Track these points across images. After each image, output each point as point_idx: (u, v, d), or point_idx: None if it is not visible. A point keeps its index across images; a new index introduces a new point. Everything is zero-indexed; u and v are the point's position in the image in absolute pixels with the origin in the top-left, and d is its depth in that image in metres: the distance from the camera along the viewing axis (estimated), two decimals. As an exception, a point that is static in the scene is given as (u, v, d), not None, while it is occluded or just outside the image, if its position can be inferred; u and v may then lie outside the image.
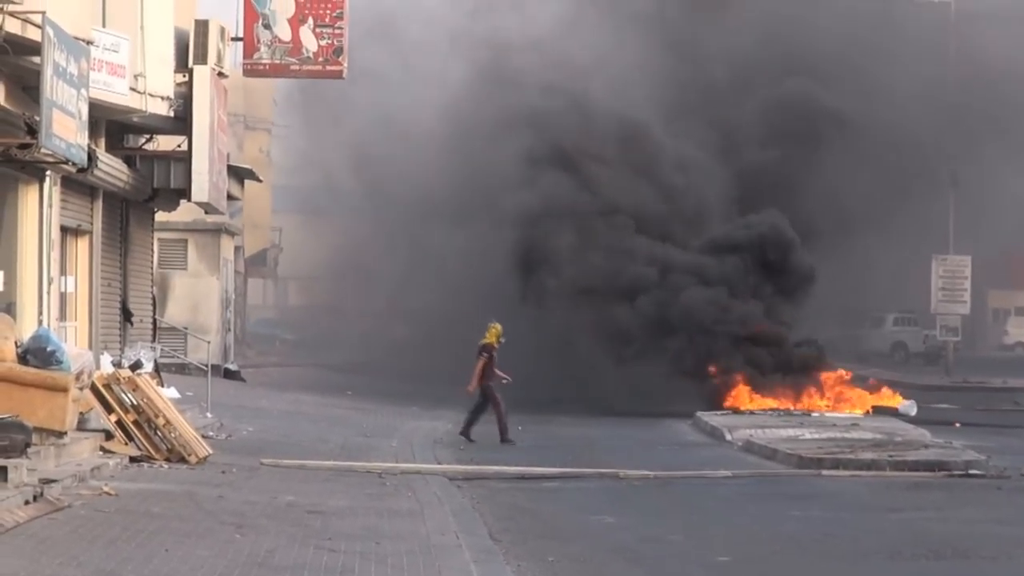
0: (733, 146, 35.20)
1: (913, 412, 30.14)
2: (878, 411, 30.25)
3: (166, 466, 17.50)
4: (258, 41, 26.37)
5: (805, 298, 34.39)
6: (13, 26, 16.16)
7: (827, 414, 29.08)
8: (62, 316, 20.56)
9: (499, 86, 35.85)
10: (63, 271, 20.65)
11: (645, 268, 33.39)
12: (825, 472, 19.76)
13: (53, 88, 16.28)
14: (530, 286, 34.70)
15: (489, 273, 36.59)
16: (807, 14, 36.55)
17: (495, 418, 23.84)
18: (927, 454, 21.23)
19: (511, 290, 35.38)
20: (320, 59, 26.52)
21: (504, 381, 23.95)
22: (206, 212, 27.80)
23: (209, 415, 23.33)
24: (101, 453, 17.26)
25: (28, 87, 17.46)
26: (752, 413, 29.19)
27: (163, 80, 21.97)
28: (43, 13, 16.02)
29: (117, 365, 20.54)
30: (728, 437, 24.59)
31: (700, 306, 32.76)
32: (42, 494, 13.70)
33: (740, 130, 35.43)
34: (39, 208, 18.98)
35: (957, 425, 28.40)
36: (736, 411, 29.71)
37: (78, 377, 16.50)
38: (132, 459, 17.46)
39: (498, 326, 23.99)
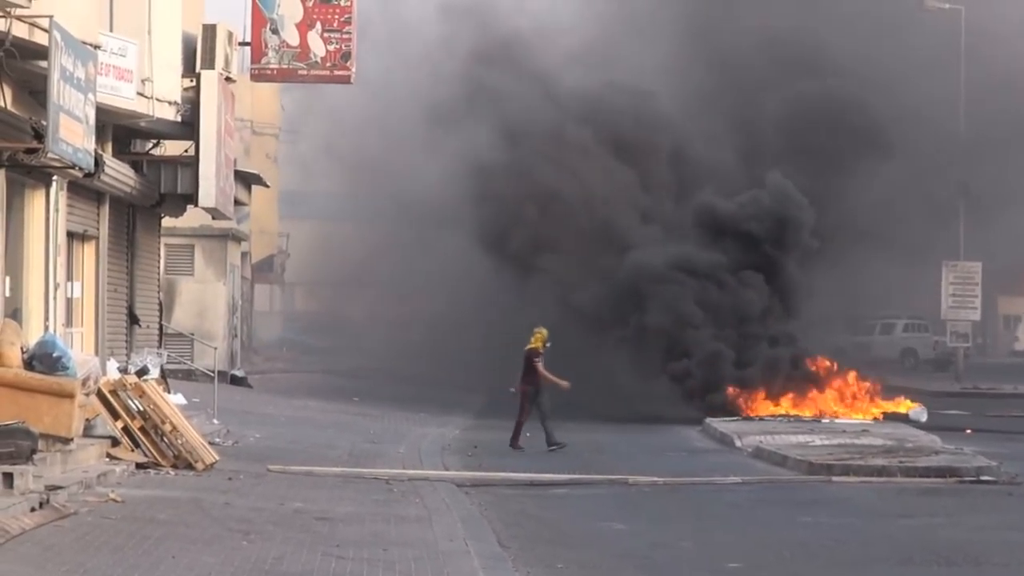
0: (753, 150, 34.94)
1: (923, 418, 30.08)
2: (888, 417, 30.19)
3: (173, 473, 17.50)
4: (266, 46, 26.36)
5: (799, 298, 33.85)
6: (20, 30, 16.17)
7: (837, 420, 29.02)
8: (68, 322, 20.56)
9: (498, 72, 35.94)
10: (69, 276, 20.65)
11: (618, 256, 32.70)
12: (835, 478, 19.71)
13: (60, 92, 16.28)
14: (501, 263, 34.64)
15: (494, 277, 36.55)
16: (811, 20, 36.46)
17: (515, 422, 23.73)
18: (938, 460, 21.19)
19: (516, 295, 35.35)
20: (328, 64, 26.51)
21: (511, 390, 23.87)
22: (213, 217, 27.85)
23: (216, 421, 23.34)
24: (107, 460, 17.26)
25: (35, 91, 17.46)
26: (761, 419, 29.14)
27: (170, 85, 21.95)
28: (50, 17, 16.02)
29: (123, 371, 20.53)
30: (737, 443, 24.56)
31: (654, 269, 31.77)
32: (48, 501, 13.69)
33: (754, 135, 35.23)
34: (45, 213, 18.99)
35: (968, 431, 28.34)
36: (745, 417, 29.65)
37: (84, 383, 16.49)
38: (138, 465, 17.46)
39: (544, 331, 23.90)
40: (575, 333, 32.45)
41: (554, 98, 35.31)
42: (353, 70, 26.71)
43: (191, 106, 22.74)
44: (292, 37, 26.34)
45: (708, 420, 28.40)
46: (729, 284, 32.53)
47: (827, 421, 28.75)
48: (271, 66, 26.53)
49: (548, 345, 23.85)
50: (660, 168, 34.72)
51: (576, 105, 35.06)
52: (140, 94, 20.88)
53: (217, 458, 18.41)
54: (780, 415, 29.98)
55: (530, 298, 34.05)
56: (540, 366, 23.54)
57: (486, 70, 36.01)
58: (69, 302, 20.69)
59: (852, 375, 31.95)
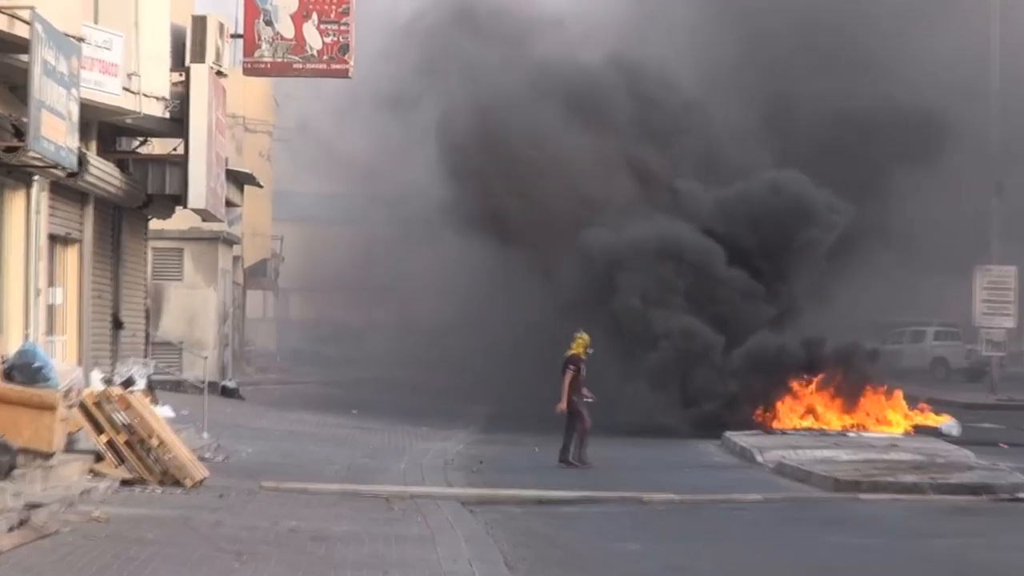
0: (778, 142, 34.76)
1: (956, 432, 30.02)
2: (919, 431, 30.15)
3: (160, 490, 17.49)
4: (259, 38, 26.39)
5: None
6: (0, 22, 16.17)
7: (864, 434, 28.98)
8: (50, 330, 20.57)
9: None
10: (51, 282, 20.66)
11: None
12: (863, 496, 19.69)
13: (42, 88, 16.30)
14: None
15: (501, 277, 36.50)
16: (835, 4, 36.39)
17: (576, 437, 23.51)
18: (971, 476, 21.15)
19: (527, 301, 35.31)
20: (325, 57, 26.53)
21: (588, 400, 23.66)
22: (203, 220, 27.83)
23: (206, 435, 23.35)
24: (91, 476, 17.24)
25: (15, 86, 17.49)
26: (784, 432, 29.11)
27: (158, 79, 21.98)
28: (32, 9, 16.04)
29: (108, 382, 20.55)
30: (759, 458, 24.54)
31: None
32: (28, 520, 13.67)
33: (781, 129, 35.04)
34: (26, 215, 18.99)
35: (1003, 446, 28.27)
36: (766, 430, 29.60)
37: (67, 395, 16.48)
38: (124, 482, 17.44)
39: (585, 336, 23.68)
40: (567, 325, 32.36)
41: (538, 69, 35.28)
42: (352, 63, 26.72)
43: (180, 102, 22.75)
44: (287, 29, 26.37)
45: (727, 434, 28.37)
46: (721, 276, 32.19)
47: (853, 435, 28.71)
48: (264, 59, 26.57)
49: (590, 352, 23.65)
50: (660, 149, 34.52)
51: (563, 76, 34.98)
52: (126, 89, 20.90)
53: (207, 474, 18.40)
54: (803, 428, 29.93)
55: (530, 292, 34.01)
56: (568, 375, 23.39)
57: (468, 39, 36.08)
58: (51, 309, 20.69)
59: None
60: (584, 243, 32.20)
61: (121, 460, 17.82)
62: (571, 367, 23.49)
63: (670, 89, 35.43)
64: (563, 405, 23.45)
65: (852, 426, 30.25)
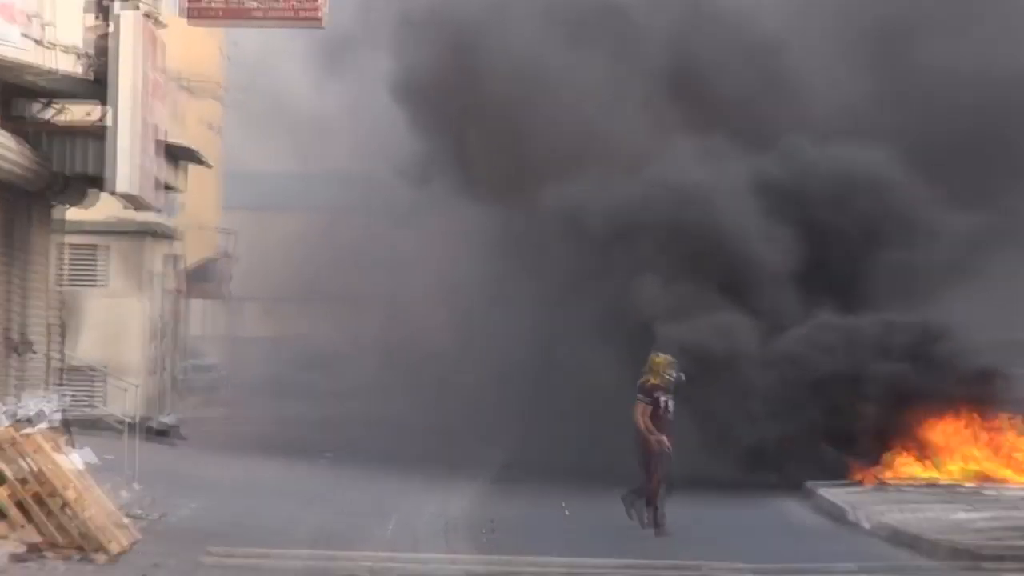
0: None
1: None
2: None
3: (76, 557, 17.46)
4: (206, -25, 26.38)
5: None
6: None
7: (1006, 490, 28.78)
8: (-67, 351, 20.49)
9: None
10: (-66, 289, 20.59)
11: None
12: (986, 566, 19.66)
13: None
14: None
15: (513, 276, 36.50)
16: None
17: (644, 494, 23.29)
18: None
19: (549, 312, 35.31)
20: (291, -1, 26.50)
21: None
22: (135, 208, 27.76)
23: (135, 488, 23.38)
24: (-15, 542, 17.16)
25: None
26: (891, 488, 28.95)
27: (75, 28, 21.93)
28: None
29: (13, 417, 20.49)
30: (854, 519, 24.63)
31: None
32: (-98, 600, 13.55)
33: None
34: (-99, 202, 18.91)
35: None
36: (863, 484, 29.49)
37: (-47, 436, 16.41)
38: (29, 548, 17.39)
39: (661, 358, 23.24)
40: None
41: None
42: (325, 9, 26.70)
43: (103, 57, 22.70)
44: (241, -37, 26.33)
45: (812, 486, 28.33)
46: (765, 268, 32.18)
47: (992, 492, 28.51)
48: (213, 4, 26.52)
49: (671, 377, 23.12)
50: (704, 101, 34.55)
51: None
52: (34, 40, 20.80)
53: (137, 537, 18.58)
54: (922, 480, 29.78)
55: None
56: (638, 409, 22.97)
57: None
58: (-67, 324, 20.62)
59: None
60: (558, 201, 32.30)
61: (24, 520, 17.73)
62: (644, 398, 23.18)
63: (732, 29, 35.38)
64: (662, 439, 22.85)
65: (987, 477, 30.04)
